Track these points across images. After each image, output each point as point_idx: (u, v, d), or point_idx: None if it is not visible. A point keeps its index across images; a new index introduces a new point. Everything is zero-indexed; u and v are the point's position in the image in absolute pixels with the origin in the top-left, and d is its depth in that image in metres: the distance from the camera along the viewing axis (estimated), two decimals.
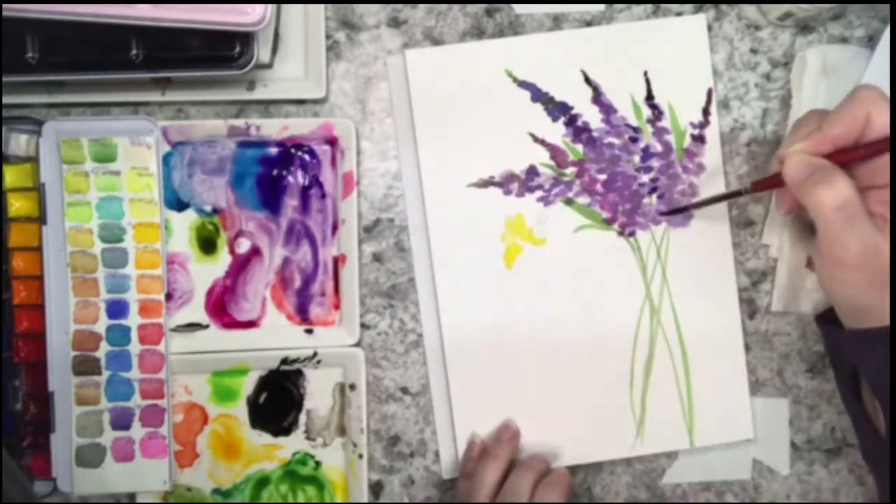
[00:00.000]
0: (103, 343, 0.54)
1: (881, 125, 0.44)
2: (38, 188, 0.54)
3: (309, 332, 0.56)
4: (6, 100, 0.54)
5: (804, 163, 0.45)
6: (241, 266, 0.56)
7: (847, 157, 0.45)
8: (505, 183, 0.55)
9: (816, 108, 0.49)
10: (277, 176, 0.55)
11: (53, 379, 0.54)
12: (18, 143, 0.54)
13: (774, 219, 0.56)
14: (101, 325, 0.54)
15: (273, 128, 0.54)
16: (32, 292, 0.54)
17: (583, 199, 0.55)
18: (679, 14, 0.55)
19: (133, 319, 0.54)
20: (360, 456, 0.55)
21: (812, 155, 0.45)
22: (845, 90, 0.54)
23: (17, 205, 0.54)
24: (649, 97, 0.55)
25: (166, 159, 0.55)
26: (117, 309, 0.54)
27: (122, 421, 0.55)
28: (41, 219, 0.54)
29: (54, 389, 0.54)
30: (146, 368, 0.55)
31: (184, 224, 0.55)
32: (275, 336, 0.56)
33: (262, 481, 0.56)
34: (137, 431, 0.55)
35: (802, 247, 0.55)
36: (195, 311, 0.56)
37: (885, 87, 0.53)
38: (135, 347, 0.54)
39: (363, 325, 0.56)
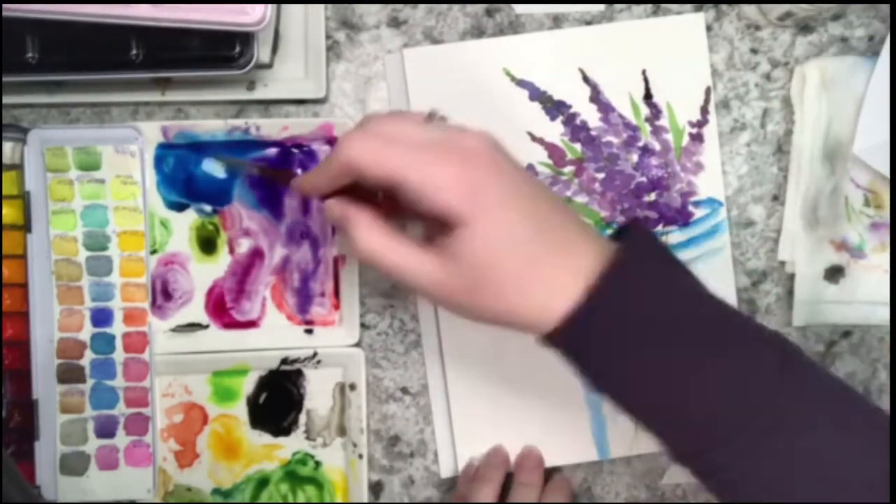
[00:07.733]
0: (88, 351, 0.54)
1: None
2: (23, 196, 0.54)
3: (309, 332, 0.56)
4: (6, 100, 0.54)
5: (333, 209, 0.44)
6: (241, 266, 0.56)
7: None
8: None
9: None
10: None
11: (38, 387, 0.54)
12: (3, 150, 0.54)
13: (787, 234, 0.55)
14: (86, 333, 0.54)
15: (273, 128, 0.54)
16: (17, 300, 0.54)
17: (581, 198, 0.55)
18: (679, 14, 0.55)
19: (118, 327, 0.54)
20: (360, 456, 0.55)
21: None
22: (846, 101, 0.54)
23: (2, 212, 0.54)
24: (648, 96, 0.55)
25: (166, 159, 0.55)
26: (102, 317, 0.54)
27: (106, 429, 0.55)
28: (26, 227, 0.54)
29: (39, 397, 0.54)
30: (131, 377, 0.55)
31: (184, 224, 0.55)
32: (275, 336, 0.56)
33: (262, 481, 0.56)
34: (122, 440, 0.55)
35: None
36: (195, 311, 0.56)
37: (886, 94, 0.53)
38: (119, 356, 0.54)
39: (363, 325, 0.56)
